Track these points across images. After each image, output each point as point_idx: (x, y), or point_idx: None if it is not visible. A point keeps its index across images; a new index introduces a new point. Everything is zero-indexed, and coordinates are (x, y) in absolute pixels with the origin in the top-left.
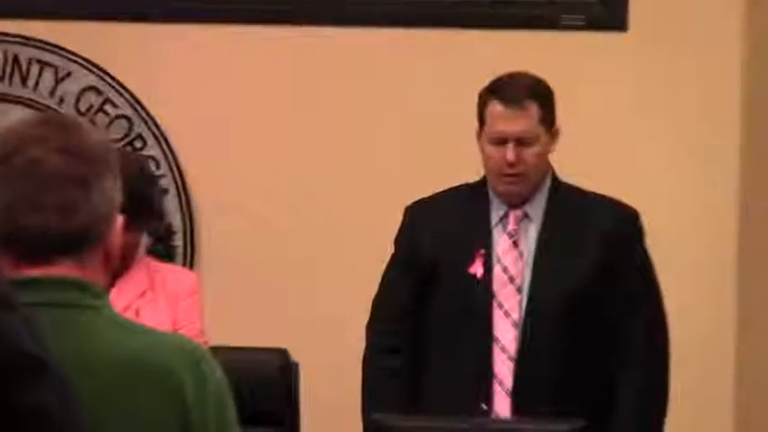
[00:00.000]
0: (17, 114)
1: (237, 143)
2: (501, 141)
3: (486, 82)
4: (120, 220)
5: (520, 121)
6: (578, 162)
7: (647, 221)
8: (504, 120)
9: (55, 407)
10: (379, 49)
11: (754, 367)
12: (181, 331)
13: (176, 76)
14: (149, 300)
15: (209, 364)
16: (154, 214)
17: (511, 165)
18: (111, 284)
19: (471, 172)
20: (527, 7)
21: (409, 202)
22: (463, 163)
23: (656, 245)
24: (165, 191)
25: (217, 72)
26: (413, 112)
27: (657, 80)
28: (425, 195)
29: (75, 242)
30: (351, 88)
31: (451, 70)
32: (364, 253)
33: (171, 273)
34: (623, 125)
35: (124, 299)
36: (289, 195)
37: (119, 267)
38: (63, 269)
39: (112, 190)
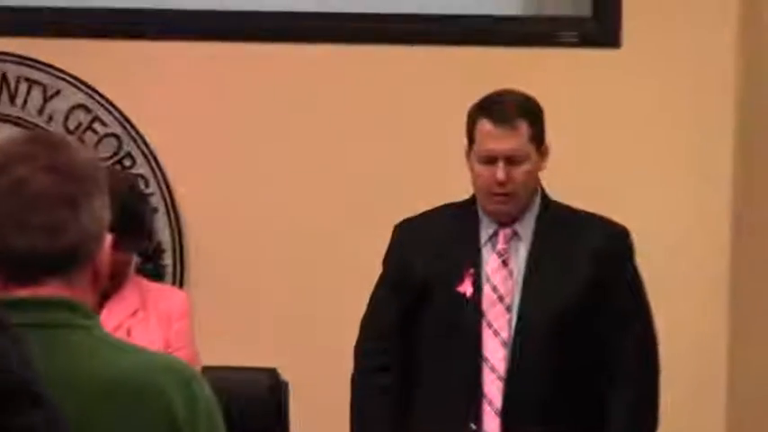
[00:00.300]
0: (5, 133)
1: (227, 161)
2: (490, 160)
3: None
4: (108, 239)
5: (509, 140)
6: (571, 179)
7: (640, 237)
8: (494, 138)
9: (41, 428)
10: (370, 65)
11: (746, 383)
12: (174, 353)
13: (166, 95)
14: (141, 319)
15: (200, 385)
16: (145, 233)
17: (501, 184)
18: (102, 304)
19: (461, 189)
20: (521, 24)
21: (399, 219)
22: (453, 180)
23: (650, 260)
24: (155, 209)
25: (206, 90)
26: (404, 128)
27: (651, 96)
28: (415, 212)
29: (64, 262)
30: (341, 106)
31: (444, 86)
32: (355, 272)
33: (162, 292)
34: (617, 142)
35: (115, 318)
36: (278, 213)
37: (110, 286)
38: (51, 289)
39: (101, 209)
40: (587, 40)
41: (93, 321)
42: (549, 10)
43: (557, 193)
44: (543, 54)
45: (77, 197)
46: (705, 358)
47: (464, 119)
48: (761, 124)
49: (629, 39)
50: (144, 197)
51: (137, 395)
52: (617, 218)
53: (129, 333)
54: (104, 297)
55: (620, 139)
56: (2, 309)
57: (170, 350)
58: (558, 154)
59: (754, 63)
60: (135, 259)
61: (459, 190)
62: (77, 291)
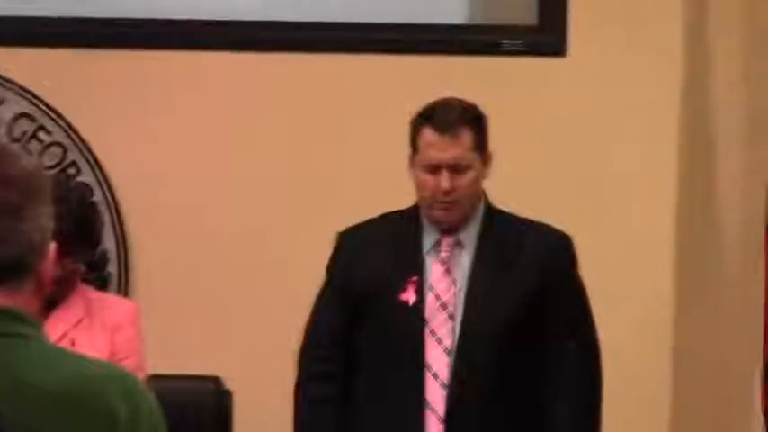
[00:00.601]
0: None
1: (172, 170)
2: (434, 169)
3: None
4: (53, 248)
5: (453, 149)
6: (515, 187)
7: (583, 245)
8: (437, 147)
9: None
10: (318, 73)
11: (689, 395)
12: (120, 364)
13: (110, 103)
14: (85, 328)
15: (144, 394)
16: (94, 243)
17: (445, 192)
18: (45, 313)
19: (406, 197)
20: (467, 32)
21: (343, 226)
22: (398, 188)
23: (593, 268)
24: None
25: (151, 99)
26: (349, 136)
27: (596, 106)
28: (360, 220)
29: (7, 272)
30: (285, 114)
31: (390, 94)
32: (299, 280)
33: (109, 302)
34: (561, 150)
35: (60, 328)
36: (223, 222)
37: (58, 295)
38: None
39: (45, 219)
40: (533, 50)
41: (37, 331)
42: (495, 19)
43: (500, 201)
44: (489, 62)
45: (21, 207)
46: (648, 369)
47: (405, 127)
48: (704, 133)
49: (574, 48)
50: (95, 207)
51: (80, 406)
52: (560, 226)
53: (73, 343)
54: (50, 306)
55: (564, 148)
56: None
57: (116, 359)
58: (503, 162)
59: (700, 74)
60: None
61: (405, 197)
62: (21, 300)
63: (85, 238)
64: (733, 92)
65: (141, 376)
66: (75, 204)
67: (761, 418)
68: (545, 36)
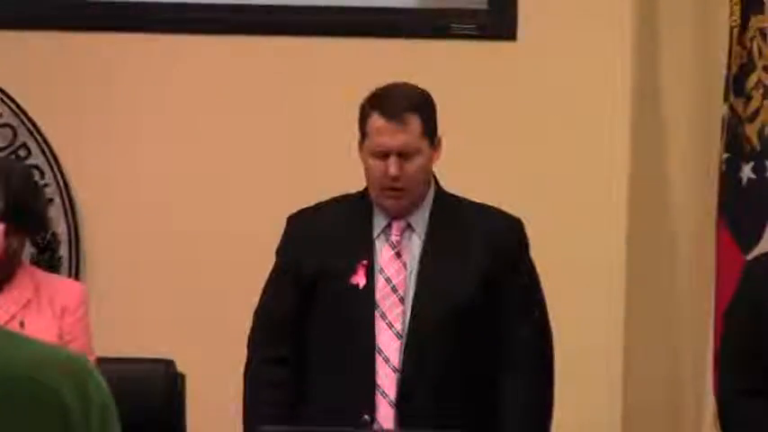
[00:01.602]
0: None
1: (122, 153)
2: (383, 155)
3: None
4: (0, 228)
5: (401, 135)
6: (465, 171)
7: (534, 229)
8: (386, 133)
9: None
10: (265, 56)
11: (640, 375)
12: (68, 346)
13: (59, 85)
14: (34, 310)
15: (95, 380)
16: (35, 221)
17: (394, 178)
18: None
19: (356, 181)
20: (417, 15)
21: (293, 210)
22: (348, 172)
23: (544, 252)
24: (50, 200)
25: (101, 82)
26: (298, 120)
27: (546, 88)
28: (308, 205)
29: None
30: (234, 99)
31: (340, 78)
32: (250, 262)
33: (58, 283)
34: (512, 134)
35: (8, 310)
36: (174, 205)
37: (2, 274)
38: None
39: None
40: (483, 33)
41: None
42: (446, 2)
43: (451, 186)
44: (439, 46)
45: None
46: (600, 350)
47: (354, 112)
48: (654, 114)
49: (524, 32)
50: (38, 186)
51: (30, 392)
52: (512, 210)
53: (22, 325)
54: None
55: (515, 132)
56: None
57: (64, 341)
58: (453, 146)
59: (647, 54)
60: (30, 250)
61: (355, 182)
62: None
63: (28, 217)
64: (683, 69)
65: (90, 358)
66: (17, 184)
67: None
68: (495, 19)
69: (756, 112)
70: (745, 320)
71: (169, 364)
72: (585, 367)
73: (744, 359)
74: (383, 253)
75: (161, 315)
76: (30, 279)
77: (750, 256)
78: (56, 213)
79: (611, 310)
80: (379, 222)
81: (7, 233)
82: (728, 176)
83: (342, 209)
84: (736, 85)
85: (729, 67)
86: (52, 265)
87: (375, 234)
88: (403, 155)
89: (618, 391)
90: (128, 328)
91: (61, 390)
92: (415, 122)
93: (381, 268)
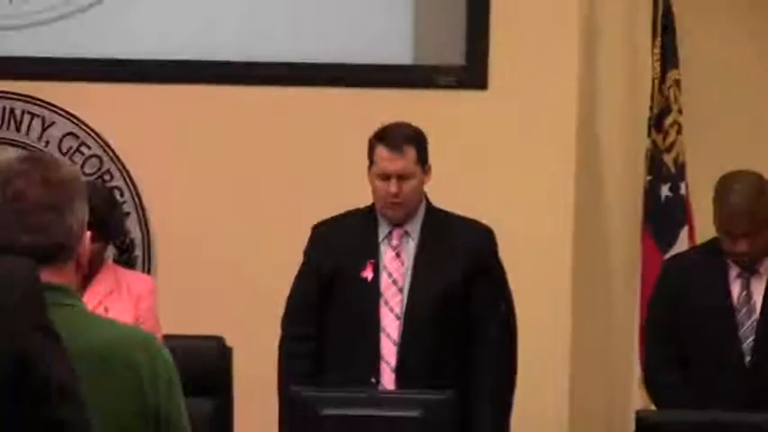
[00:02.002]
0: (11, 153)
1: (183, 177)
2: (386, 177)
3: (375, 130)
4: (88, 235)
5: (400, 162)
6: (448, 193)
7: (499, 237)
8: (388, 160)
9: (76, 422)
10: (291, 105)
11: (582, 348)
12: (142, 326)
13: (137, 125)
14: (115, 298)
15: (163, 354)
16: (114, 230)
17: (394, 195)
18: (83, 285)
19: (358, 199)
20: (409, 70)
21: (315, 221)
22: (351, 193)
23: (507, 256)
24: (128, 213)
25: (168, 122)
26: (322, 153)
27: (510, 128)
28: (327, 216)
29: (54, 255)
30: (269, 137)
31: (347, 120)
32: (283, 261)
33: (133, 277)
34: (484, 165)
35: (95, 298)
36: (225, 217)
37: (89, 271)
38: (45, 276)
39: (82, 212)
40: (461, 84)
41: (77, 301)
42: (430, 59)
43: (437, 201)
44: (425, 95)
45: (63, 204)
46: (550, 333)
47: (363, 145)
48: (594, 146)
49: (493, 83)
50: (115, 203)
51: (114, 358)
52: (483, 220)
53: (106, 310)
54: (85, 280)
55: (485, 162)
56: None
57: (138, 323)
58: (438, 173)
59: (589, 100)
60: (113, 251)
61: (357, 200)
62: (64, 277)
63: (108, 227)
64: (616, 112)
65: (158, 336)
66: (99, 201)
67: (639, 374)
68: (470, 74)
69: (672, 145)
70: (663, 306)
71: (220, 339)
72: (538, 346)
73: (664, 336)
74: (386, 254)
75: (214, 300)
76: (112, 274)
77: (668, 256)
78: (132, 224)
79: (561, 303)
80: (383, 230)
81: (92, 239)
82: (651, 194)
83: (354, 220)
84: (657, 123)
85: (652, 110)
86: (130, 263)
87: (380, 239)
88: (401, 177)
89: (565, 362)
90: (188, 311)
91: (136, 360)
92: (411, 152)
93: (385, 265)
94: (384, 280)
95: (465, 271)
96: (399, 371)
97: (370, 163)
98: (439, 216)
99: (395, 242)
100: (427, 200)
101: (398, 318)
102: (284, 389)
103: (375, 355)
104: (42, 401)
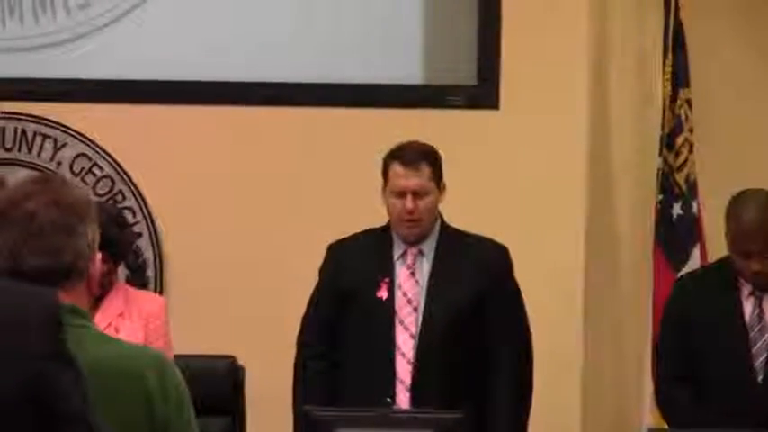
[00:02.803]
0: (23, 174)
1: (195, 198)
2: (401, 194)
3: (388, 149)
4: (98, 256)
5: (415, 179)
6: (458, 211)
7: (512, 255)
8: (404, 177)
9: None
10: (302, 125)
11: (595, 367)
12: (152, 346)
13: (148, 145)
14: (126, 319)
15: (172, 371)
16: (124, 251)
17: (409, 212)
18: (95, 305)
19: (372, 218)
20: (420, 90)
21: (330, 240)
22: (366, 211)
23: (517, 273)
24: (140, 234)
25: (178, 143)
26: (330, 177)
27: (522, 147)
28: (343, 236)
29: (64, 276)
30: (286, 155)
31: (361, 142)
32: (297, 281)
33: (144, 297)
34: (495, 181)
35: (106, 318)
36: (236, 237)
37: (99, 291)
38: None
39: (92, 233)
40: (472, 103)
41: (88, 321)
42: (442, 79)
43: (448, 221)
44: (436, 114)
45: (73, 225)
46: (563, 351)
47: (375, 165)
48: (606, 165)
49: (505, 102)
50: (126, 224)
51: (124, 378)
52: (493, 237)
53: (116, 330)
54: (96, 300)
55: (497, 182)
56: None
57: (149, 342)
58: (449, 192)
59: (601, 119)
60: (125, 272)
61: (368, 219)
62: (75, 297)
63: (118, 248)
64: (627, 131)
65: (169, 355)
66: (108, 223)
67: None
68: (482, 93)
69: (684, 164)
70: (675, 325)
71: (232, 359)
72: (551, 364)
73: (676, 354)
74: (401, 273)
75: (226, 320)
76: (122, 294)
77: (680, 274)
78: (144, 244)
79: (574, 321)
80: (397, 249)
81: (103, 260)
82: (663, 213)
83: (369, 239)
84: (669, 142)
85: (663, 129)
86: (142, 283)
87: (395, 258)
88: (416, 194)
89: (578, 379)
90: (200, 331)
91: (146, 379)
92: (426, 169)
93: (399, 284)
94: (399, 299)
95: (480, 290)
96: (414, 390)
97: (385, 181)
98: (454, 235)
99: (409, 261)
100: (442, 219)
101: (413, 337)
102: (299, 408)
103: (390, 375)
104: (54, 428)
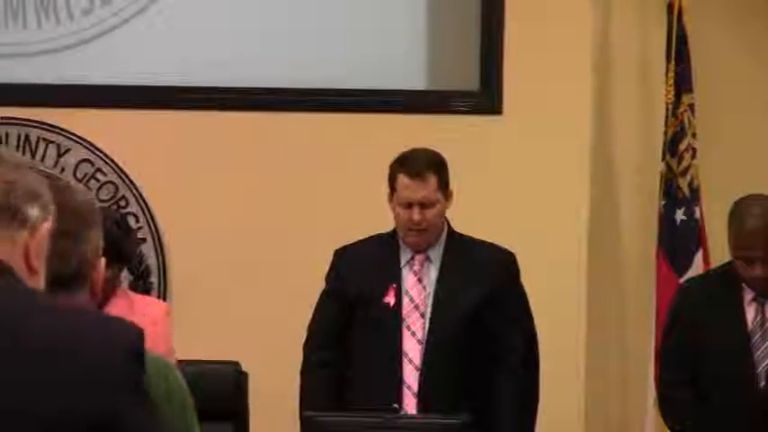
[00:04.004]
0: None
1: (199, 202)
2: (408, 205)
3: (396, 154)
4: (102, 261)
5: (422, 190)
6: (462, 216)
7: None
8: (410, 189)
9: None
10: (306, 130)
11: (598, 372)
12: (154, 351)
13: (151, 151)
14: None
15: (175, 376)
16: (127, 256)
17: (417, 223)
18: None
19: (380, 223)
20: (423, 95)
21: (337, 246)
22: (374, 216)
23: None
24: (143, 239)
25: (181, 148)
26: (334, 182)
27: (525, 151)
28: (349, 241)
29: (68, 282)
30: (293, 159)
31: (365, 148)
32: (301, 288)
33: (147, 302)
34: (499, 186)
35: None
36: (240, 243)
37: (101, 296)
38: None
39: (96, 239)
40: (476, 109)
41: None
42: (445, 85)
43: (457, 225)
44: (440, 120)
45: (77, 231)
46: (566, 355)
47: (379, 170)
48: (609, 170)
49: (508, 108)
50: (129, 229)
51: None
52: (498, 240)
53: None
54: (99, 306)
55: (501, 187)
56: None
57: (151, 347)
58: (456, 196)
59: (604, 124)
60: (129, 277)
61: (372, 224)
62: (79, 302)
63: (120, 253)
64: (631, 136)
65: (172, 360)
66: (111, 228)
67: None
68: (486, 98)
69: (687, 169)
70: (678, 330)
71: (236, 365)
72: (554, 369)
73: (678, 360)
74: (408, 279)
75: (230, 326)
76: (125, 300)
77: (683, 280)
78: (147, 249)
79: (577, 326)
80: (404, 255)
81: (105, 265)
82: (666, 218)
83: (376, 245)
84: (672, 147)
85: (666, 134)
86: (146, 289)
87: (402, 264)
88: (423, 205)
89: (581, 384)
90: (203, 337)
91: (150, 383)
92: (432, 179)
93: (406, 290)
94: (406, 305)
95: (487, 296)
96: (421, 395)
97: (392, 190)
98: (461, 241)
99: (416, 267)
100: (449, 225)
101: (420, 343)
102: (305, 414)
103: (397, 380)
104: None
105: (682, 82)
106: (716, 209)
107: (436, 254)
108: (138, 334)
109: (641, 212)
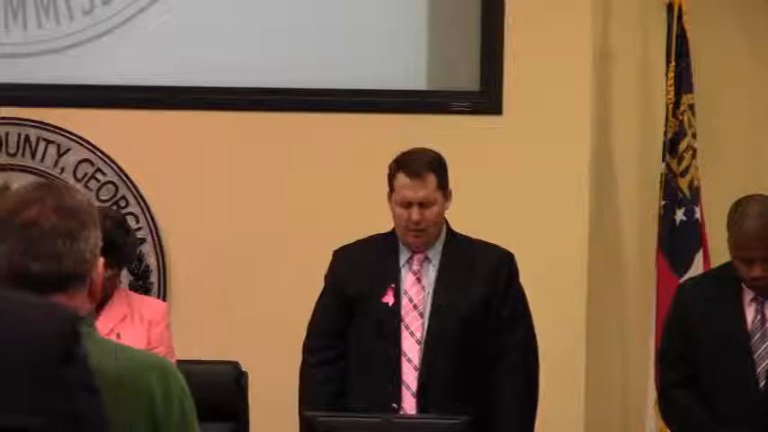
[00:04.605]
0: (25, 180)
1: (198, 203)
2: (407, 205)
3: (396, 154)
4: (101, 261)
5: (421, 190)
6: (461, 216)
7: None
8: (409, 188)
9: None
10: (306, 131)
11: (599, 372)
12: (154, 351)
13: (151, 151)
14: (128, 324)
15: (175, 376)
16: (126, 256)
17: (416, 223)
18: (97, 310)
19: (381, 223)
20: (423, 96)
21: (336, 246)
22: (375, 216)
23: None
24: (143, 240)
25: (181, 148)
26: (334, 182)
27: (525, 151)
28: (348, 241)
29: (66, 281)
30: (294, 161)
31: (365, 148)
32: (299, 287)
33: (146, 302)
34: (499, 187)
35: (108, 324)
36: (239, 243)
37: (101, 296)
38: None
39: (95, 239)
40: (477, 109)
41: (91, 328)
42: (445, 85)
43: (456, 225)
44: (440, 120)
45: (76, 231)
46: (566, 356)
47: (379, 170)
48: (609, 170)
49: (508, 108)
50: (128, 229)
51: (128, 384)
52: (497, 240)
53: (118, 336)
54: (98, 306)
55: (500, 187)
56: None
57: (151, 347)
58: (455, 196)
59: (604, 124)
60: (129, 278)
61: (373, 224)
62: (77, 302)
63: (120, 253)
64: (630, 136)
65: (171, 360)
66: (111, 228)
67: (655, 396)
68: (486, 99)
69: (687, 170)
70: (678, 330)
71: (235, 364)
72: (553, 370)
73: (678, 360)
74: (407, 279)
75: (229, 326)
76: (124, 299)
77: (683, 280)
78: (147, 250)
79: (577, 326)
80: (403, 255)
81: (105, 265)
82: (666, 218)
83: (375, 244)
84: (672, 148)
85: (666, 135)
86: (146, 289)
87: (401, 264)
88: (422, 205)
89: (581, 384)
90: (203, 337)
91: (150, 384)
92: (431, 179)
93: (405, 290)
94: (405, 305)
95: (486, 296)
96: (420, 396)
97: (391, 190)
98: (459, 241)
99: (415, 267)
100: (448, 225)
101: (419, 342)
102: (305, 414)
103: (396, 380)
104: None
105: (682, 82)
106: (716, 209)
107: (435, 254)
108: (73, 319)
109: (641, 212)
